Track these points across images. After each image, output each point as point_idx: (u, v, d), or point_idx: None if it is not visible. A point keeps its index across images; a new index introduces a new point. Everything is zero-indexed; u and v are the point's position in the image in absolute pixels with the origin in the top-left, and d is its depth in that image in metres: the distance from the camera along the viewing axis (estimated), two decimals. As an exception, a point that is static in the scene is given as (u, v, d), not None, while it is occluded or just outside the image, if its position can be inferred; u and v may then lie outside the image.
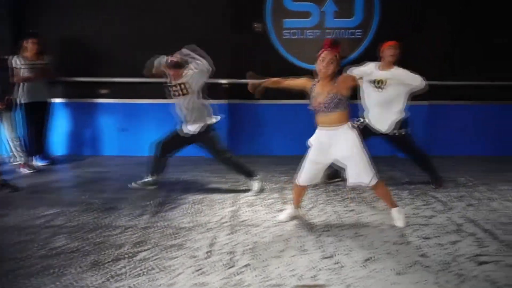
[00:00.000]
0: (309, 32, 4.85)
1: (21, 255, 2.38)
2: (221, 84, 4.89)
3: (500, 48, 5.02)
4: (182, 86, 3.43)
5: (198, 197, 3.53)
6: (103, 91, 5.01)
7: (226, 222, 2.95)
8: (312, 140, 2.78)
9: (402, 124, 3.71)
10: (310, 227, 2.85)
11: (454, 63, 5.02)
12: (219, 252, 2.46)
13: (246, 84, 4.92)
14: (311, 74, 2.80)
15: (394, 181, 4.02)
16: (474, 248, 2.50)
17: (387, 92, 3.60)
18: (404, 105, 3.69)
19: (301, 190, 2.96)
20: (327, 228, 2.82)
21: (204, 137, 3.56)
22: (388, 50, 3.56)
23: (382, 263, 2.31)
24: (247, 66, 4.90)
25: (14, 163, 4.44)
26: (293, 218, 2.99)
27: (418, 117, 4.96)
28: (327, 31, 4.86)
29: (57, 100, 4.93)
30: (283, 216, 2.99)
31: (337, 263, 2.32)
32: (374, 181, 2.71)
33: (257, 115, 5.08)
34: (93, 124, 5.13)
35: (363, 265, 2.29)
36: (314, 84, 2.73)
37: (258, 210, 3.21)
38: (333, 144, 2.69)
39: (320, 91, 2.66)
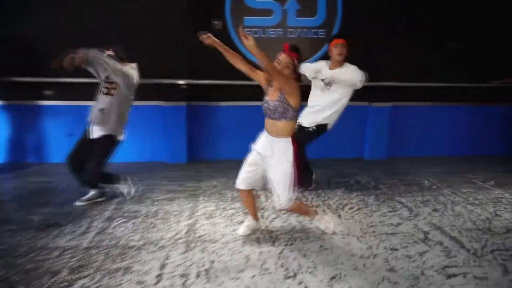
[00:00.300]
0: (271, 31, 4.65)
1: None
2: (179, 85, 4.57)
3: (465, 50, 5.07)
4: (114, 85, 3.16)
5: (152, 209, 3.23)
6: (48, 93, 4.55)
7: (181, 238, 2.68)
8: (255, 145, 2.60)
9: (320, 126, 3.51)
10: (272, 241, 2.64)
11: (418, 63, 5.01)
12: (170, 275, 2.19)
13: (206, 85, 4.73)
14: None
15: (359, 185, 3.91)
16: (442, 258, 2.40)
17: (334, 93, 3.44)
18: (338, 112, 3.50)
19: (248, 197, 2.69)
20: (291, 242, 2.62)
21: (102, 144, 3.21)
22: (335, 49, 3.40)
23: (348, 281, 2.14)
24: (206, 66, 4.68)
25: None
26: (253, 230, 2.77)
27: (382, 119, 4.94)
28: (290, 30, 4.68)
29: (-6, 103, 4.42)
30: (242, 229, 2.75)
31: (301, 283, 2.12)
32: (284, 207, 2.50)
33: (217, 117, 4.82)
34: (38, 128, 4.64)
35: (329, 285, 2.11)
36: (269, 87, 2.53)
37: (217, 222, 2.96)
38: (270, 153, 2.48)
39: (270, 96, 2.48)
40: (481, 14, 5.05)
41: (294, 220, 3.00)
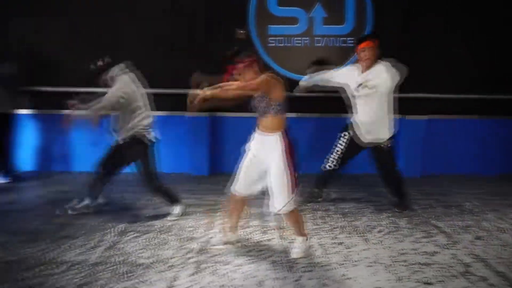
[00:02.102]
0: (297, 40, 4.46)
1: None
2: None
3: (504, 60, 4.65)
4: None
5: (167, 224, 3.09)
6: (73, 102, 4.58)
7: (192, 257, 2.51)
8: (249, 145, 2.54)
9: (390, 130, 3.37)
10: (289, 266, 2.40)
11: (456, 73, 4.63)
12: (175, 300, 2.02)
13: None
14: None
15: (391, 206, 3.58)
16: (486, 298, 2.06)
17: (375, 95, 3.24)
18: (392, 109, 3.34)
19: (237, 203, 2.62)
20: (310, 268, 2.37)
21: (132, 148, 3.14)
22: (362, 53, 3.23)
23: (373, 319, 1.87)
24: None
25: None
26: (225, 243, 2.70)
27: (417, 133, 4.58)
28: (316, 38, 4.48)
29: (23, 112, 4.52)
30: (216, 243, 2.72)
31: (318, 318, 1.87)
32: (285, 210, 2.39)
33: (240, 129, 4.64)
34: (63, 137, 4.70)
35: (350, 323, 1.84)
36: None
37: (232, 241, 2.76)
38: (265, 153, 2.43)
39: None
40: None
41: (315, 242, 2.75)
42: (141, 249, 2.62)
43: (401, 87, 3.36)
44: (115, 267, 2.36)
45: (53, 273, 2.27)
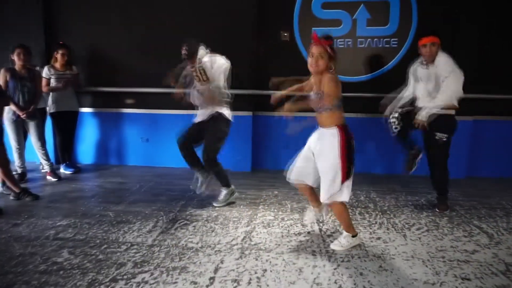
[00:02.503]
0: (340, 41, 4.55)
1: (20, 269, 2.30)
2: (245, 95, 4.70)
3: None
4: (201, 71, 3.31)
5: (213, 214, 3.34)
6: (129, 101, 5.02)
7: (237, 244, 2.72)
8: (309, 139, 2.71)
9: (449, 125, 3.31)
10: (328, 256, 2.54)
11: (501, 74, 4.49)
12: (223, 280, 2.23)
13: (271, 95, 4.76)
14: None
15: (431, 205, 3.58)
16: (527, 296, 2.07)
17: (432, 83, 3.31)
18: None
19: (304, 189, 2.82)
20: (348, 258, 2.50)
21: (211, 124, 3.40)
22: (423, 49, 3.28)
23: (408, 307, 1.96)
24: (272, 76, 4.73)
25: (43, 171, 4.55)
26: (316, 219, 2.99)
27: (461, 134, 4.47)
28: (360, 39, 4.54)
29: (85, 110, 5.00)
30: (306, 218, 2.99)
31: (354, 303, 2.00)
32: (330, 200, 2.53)
33: (283, 127, 4.82)
34: (119, 133, 5.14)
35: (385, 309, 1.95)
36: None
37: (273, 232, 2.94)
38: (320, 145, 2.55)
39: (314, 88, 2.57)
40: None
41: (353, 236, 2.86)
42: (191, 235, 2.88)
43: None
44: (168, 249, 2.62)
45: (115, 251, 2.58)
